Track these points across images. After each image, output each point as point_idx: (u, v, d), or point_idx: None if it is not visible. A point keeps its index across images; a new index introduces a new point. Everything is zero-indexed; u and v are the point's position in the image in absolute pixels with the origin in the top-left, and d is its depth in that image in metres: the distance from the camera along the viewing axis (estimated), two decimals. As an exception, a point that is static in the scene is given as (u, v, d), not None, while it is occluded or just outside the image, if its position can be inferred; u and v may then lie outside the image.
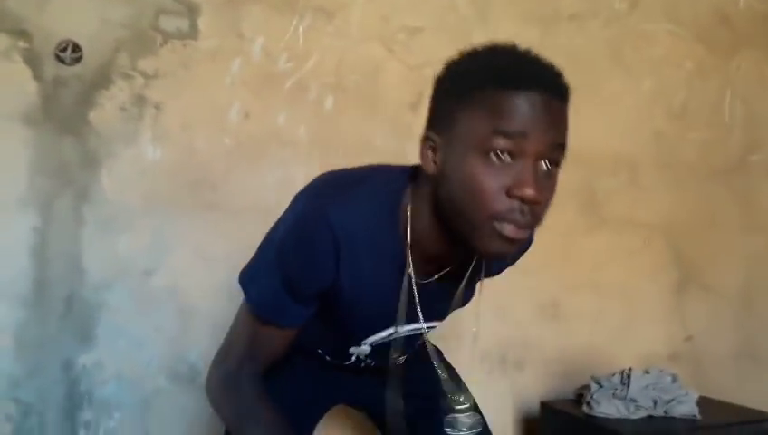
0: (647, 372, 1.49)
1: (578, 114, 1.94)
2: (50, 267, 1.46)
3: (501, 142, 0.74)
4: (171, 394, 1.52)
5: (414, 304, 0.90)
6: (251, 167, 1.60)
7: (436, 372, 0.97)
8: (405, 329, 0.97)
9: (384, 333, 0.99)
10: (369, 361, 1.08)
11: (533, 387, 1.78)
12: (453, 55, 0.83)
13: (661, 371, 1.51)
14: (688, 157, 2.03)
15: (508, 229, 0.76)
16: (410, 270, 0.88)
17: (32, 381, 1.44)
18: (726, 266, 2.04)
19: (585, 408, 1.47)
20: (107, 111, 1.49)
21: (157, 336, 1.52)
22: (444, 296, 0.96)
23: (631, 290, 1.94)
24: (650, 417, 1.42)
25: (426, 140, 0.82)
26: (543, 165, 0.76)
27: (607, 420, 1.41)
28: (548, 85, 0.76)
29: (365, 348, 1.03)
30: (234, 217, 1.58)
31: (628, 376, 1.46)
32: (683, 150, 2.03)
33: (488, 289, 1.75)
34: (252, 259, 0.96)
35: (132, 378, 1.50)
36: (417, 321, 0.92)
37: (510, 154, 0.74)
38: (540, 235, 1.86)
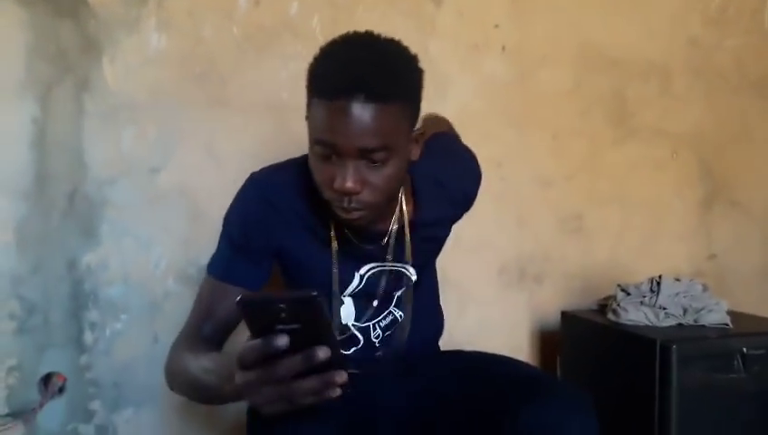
0: (677, 280, 1.45)
1: (610, 18, 1.87)
2: (51, 161, 1.41)
3: (319, 149, 0.88)
4: (181, 297, 1.49)
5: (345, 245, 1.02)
6: (261, 60, 1.53)
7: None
8: (366, 268, 1.06)
9: (353, 284, 1.05)
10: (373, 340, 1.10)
11: (553, 300, 1.76)
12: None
13: (691, 280, 1.47)
14: (724, 65, 1.96)
15: (340, 212, 0.92)
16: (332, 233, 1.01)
17: (35, 279, 1.41)
18: (756, 183, 2.00)
19: (611, 315, 1.45)
20: (106, -8, 1.40)
21: (165, 237, 1.48)
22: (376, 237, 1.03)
23: (657, 204, 1.90)
24: (680, 325, 1.39)
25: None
26: (363, 162, 0.87)
27: (634, 327, 1.38)
28: (361, 91, 0.83)
29: (346, 303, 1.07)
30: (244, 114, 1.52)
31: (658, 283, 1.43)
32: (718, 58, 1.95)
33: (508, 200, 1.73)
34: None
35: (140, 280, 1.47)
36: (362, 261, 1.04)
37: (331, 156, 0.87)
38: (566, 145, 1.83)
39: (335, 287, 1.04)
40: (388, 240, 1.03)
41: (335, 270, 1.03)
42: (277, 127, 1.54)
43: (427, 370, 1.10)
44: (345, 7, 1.58)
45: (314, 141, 0.88)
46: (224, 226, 1.04)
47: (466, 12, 1.69)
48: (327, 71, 0.87)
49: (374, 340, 1.11)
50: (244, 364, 0.71)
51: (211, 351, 0.98)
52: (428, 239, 1.11)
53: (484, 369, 1.04)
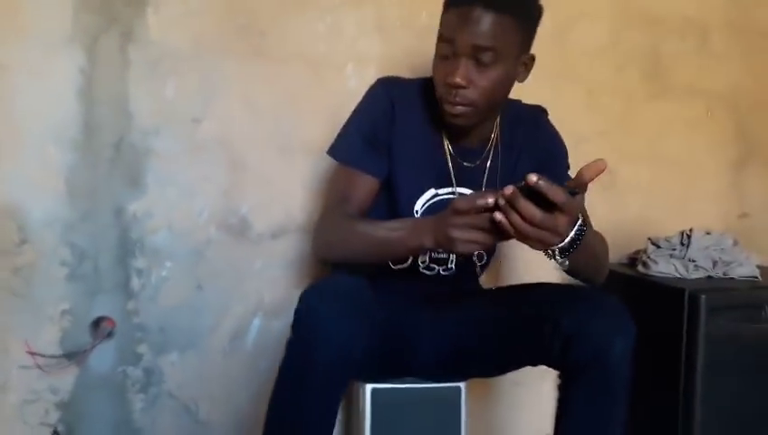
0: (708, 234, 1.53)
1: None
2: (97, 111, 1.50)
3: (443, 47, 1.11)
4: (222, 245, 1.60)
5: (446, 162, 1.23)
6: (300, 12, 1.60)
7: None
8: (444, 190, 1.23)
9: (427, 195, 1.23)
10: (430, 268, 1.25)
11: (583, 255, 1.84)
12: None
13: (722, 234, 1.55)
14: (763, 22, 1.99)
15: (447, 107, 1.13)
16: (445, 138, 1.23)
17: (84, 226, 1.52)
18: (791, 142, 2.04)
19: (640, 267, 1.54)
20: (152, -58, 1.48)
21: (206, 186, 1.58)
22: (476, 166, 1.24)
23: (689, 163, 1.97)
24: (709, 277, 1.48)
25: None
26: (473, 61, 1.08)
27: (664, 278, 1.47)
28: (479, 1, 1.05)
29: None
30: (282, 66, 1.60)
31: (689, 236, 1.51)
32: (759, 15, 1.99)
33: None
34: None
35: (183, 228, 1.57)
36: (454, 184, 1.22)
37: (448, 54, 1.10)
38: (599, 101, 1.89)
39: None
40: (483, 161, 1.24)
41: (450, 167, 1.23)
42: (314, 79, 1.62)
43: (470, 295, 1.25)
44: (384, -41, 1.64)
45: (439, 39, 1.11)
46: (352, 118, 1.24)
47: (503, -35, 1.74)
48: None
49: (420, 262, 1.25)
50: (457, 210, 0.93)
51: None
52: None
53: (527, 287, 1.22)
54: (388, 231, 1.08)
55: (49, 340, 1.51)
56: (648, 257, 1.52)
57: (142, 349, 1.58)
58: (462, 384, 1.29)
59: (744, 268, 1.48)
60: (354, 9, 1.63)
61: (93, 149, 1.50)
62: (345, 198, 1.19)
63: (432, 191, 1.23)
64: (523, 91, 1.75)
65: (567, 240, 0.92)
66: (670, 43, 1.91)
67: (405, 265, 1.26)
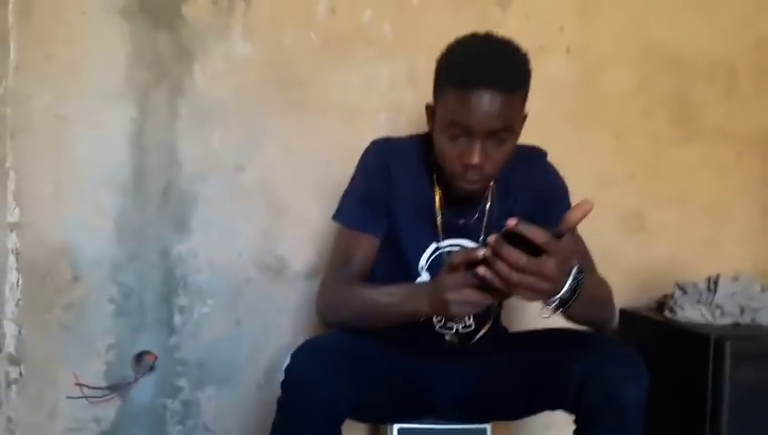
0: (735, 280, 1.57)
1: (675, 17, 1.96)
2: (147, 158, 1.63)
3: (455, 130, 1.10)
4: (260, 284, 1.71)
5: (443, 217, 1.25)
6: (337, 65, 1.71)
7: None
8: (445, 243, 1.26)
9: (429, 250, 1.27)
10: (449, 327, 1.30)
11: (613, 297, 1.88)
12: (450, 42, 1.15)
13: (750, 279, 1.58)
14: (792, 65, 2.02)
15: (463, 184, 1.15)
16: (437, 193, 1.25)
17: (132, 266, 1.64)
18: (824, 185, 2.06)
19: (667, 313, 1.58)
20: (199, 4, 1.61)
21: (247, 228, 1.69)
22: (470, 214, 1.26)
23: (719, 206, 2.00)
24: (737, 324, 1.51)
25: (427, 106, 1.20)
26: (488, 140, 1.10)
27: (690, 324, 1.51)
28: (493, 83, 1.06)
29: (425, 277, 1.27)
30: (320, 116, 1.71)
31: (716, 282, 1.55)
32: (788, 58, 2.01)
33: (571, 199, 1.85)
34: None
35: (224, 267, 1.69)
36: (453, 236, 1.25)
37: (463, 135, 1.10)
38: (627, 144, 1.95)
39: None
40: (481, 213, 1.26)
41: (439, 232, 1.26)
42: (350, 128, 1.72)
43: (485, 348, 1.29)
44: (414, 14, 1.74)
45: (449, 123, 1.10)
46: (351, 183, 1.29)
47: (532, 14, 1.83)
48: (462, 65, 1.09)
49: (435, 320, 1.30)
50: (453, 265, 0.98)
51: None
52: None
53: (544, 333, 1.23)
54: (384, 297, 1.14)
55: (95, 372, 1.64)
56: (675, 303, 1.56)
57: (182, 383, 1.68)
58: (488, 426, 1.34)
59: (772, 315, 1.51)
60: (388, 61, 1.73)
61: (142, 193, 1.63)
62: (346, 260, 1.23)
63: (434, 245, 1.27)
64: (552, 137, 1.83)
65: (565, 288, 0.94)
66: (698, 87, 1.96)
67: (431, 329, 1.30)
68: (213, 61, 1.64)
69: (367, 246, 1.25)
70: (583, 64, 1.88)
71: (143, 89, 1.61)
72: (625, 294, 1.89)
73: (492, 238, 0.92)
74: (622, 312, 1.73)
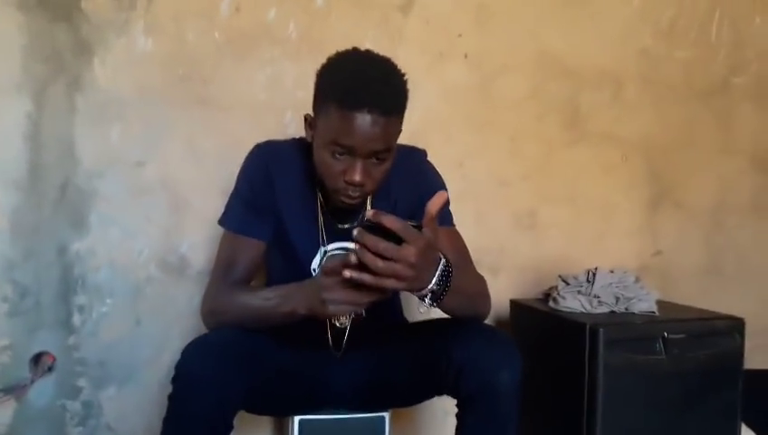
0: (611, 272, 1.75)
1: (566, 29, 2.13)
2: (44, 154, 1.64)
3: (338, 149, 1.15)
4: (162, 283, 1.75)
5: (328, 221, 1.31)
6: (240, 62, 1.78)
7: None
8: (332, 247, 1.33)
9: (319, 255, 1.33)
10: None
11: (507, 291, 2.04)
12: (331, 55, 1.21)
13: (625, 272, 1.77)
14: (672, 76, 2.26)
15: (344, 199, 1.20)
16: (320, 196, 1.31)
17: (27, 264, 1.65)
18: (700, 186, 2.31)
19: (551, 303, 1.74)
20: (99, -2, 1.64)
21: (148, 226, 1.73)
22: (351, 219, 1.32)
23: (606, 204, 2.20)
24: (612, 312, 1.69)
25: (307, 117, 1.25)
26: (371, 160, 1.16)
27: (570, 313, 1.68)
28: (376, 106, 1.11)
29: (317, 256, 1.33)
30: (224, 113, 1.77)
31: (594, 274, 1.72)
32: (667, 69, 2.25)
33: (467, 198, 2.00)
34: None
35: (124, 265, 1.72)
36: (337, 240, 1.31)
37: (345, 153, 1.15)
38: (521, 147, 2.11)
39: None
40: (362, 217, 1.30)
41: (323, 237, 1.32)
42: (254, 125, 1.79)
43: (377, 339, 1.37)
44: (319, 15, 1.84)
45: (331, 142, 1.14)
46: (235, 187, 1.33)
47: (432, 20, 1.96)
48: (346, 84, 1.13)
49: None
50: (327, 271, 1.05)
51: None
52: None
53: (429, 324, 1.33)
54: (262, 301, 1.19)
55: (-12, 375, 1.62)
56: (558, 294, 1.72)
57: (82, 383, 1.70)
58: (386, 414, 1.45)
59: (644, 303, 1.70)
60: (292, 61, 1.81)
61: (38, 190, 1.64)
62: (229, 265, 1.28)
63: (322, 249, 1.32)
64: (452, 139, 1.97)
65: (434, 280, 1.04)
66: (587, 94, 2.15)
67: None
68: (113, 55, 1.67)
69: (251, 249, 1.30)
70: (481, 71, 2.03)
71: (40, 83, 1.62)
72: (519, 286, 2.07)
73: (355, 230, 0.98)
74: (513, 303, 1.89)
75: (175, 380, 1.12)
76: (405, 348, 1.32)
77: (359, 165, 1.15)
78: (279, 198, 1.30)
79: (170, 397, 1.11)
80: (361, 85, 1.12)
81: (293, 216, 1.32)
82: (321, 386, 1.36)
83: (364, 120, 1.11)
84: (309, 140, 1.24)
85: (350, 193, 1.19)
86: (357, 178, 1.15)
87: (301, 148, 1.32)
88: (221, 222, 1.33)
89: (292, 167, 1.31)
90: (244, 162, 1.33)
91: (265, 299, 1.19)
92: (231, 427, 1.15)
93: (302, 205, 1.32)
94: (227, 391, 1.10)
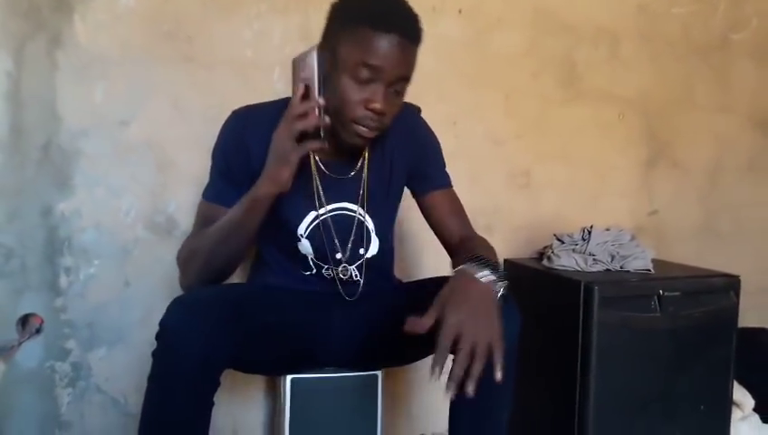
0: (607, 230, 1.71)
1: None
2: (25, 113, 1.59)
3: (364, 72, 1.12)
4: (149, 244, 1.71)
5: (322, 180, 1.28)
6: (227, 19, 1.72)
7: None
8: (323, 210, 1.30)
9: (309, 217, 1.30)
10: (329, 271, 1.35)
11: (502, 250, 1.97)
12: None
13: (621, 230, 1.74)
14: (670, 32, 2.20)
15: (362, 130, 1.17)
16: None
17: (12, 226, 1.61)
18: (696, 144, 2.27)
19: (545, 262, 1.71)
20: (77, -50, 1.57)
21: (134, 186, 1.69)
22: (350, 178, 1.30)
23: (602, 163, 2.16)
24: (607, 270, 1.66)
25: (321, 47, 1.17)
26: (392, 89, 1.15)
27: (565, 271, 1.65)
28: (405, 31, 1.13)
29: (305, 243, 1.32)
30: (210, 70, 1.72)
31: (589, 232, 1.69)
32: (665, 25, 2.19)
33: (461, 157, 1.96)
34: None
35: (111, 227, 1.68)
36: (333, 200, 1.30)
37: (370, 79, 1.13)
38: (516, 105, 2.06)
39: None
40: (358, 172, 1.30)
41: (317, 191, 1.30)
42: (240, 82, 1.74)
43: (372, 298, 1.36)
44: (308, -30, 1.77)
45: (360, 63, 1.11)
46: (212, 156, 1.30)
47: (425, -25, 1.89)
48: (376, 7, 1.13)
49: (324, 273, 1.35)
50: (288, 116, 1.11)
51: None
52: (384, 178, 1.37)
53: (424, 283, 1.32)
54: (228, 217, 1.19)
55: (-25, 337, 1.60)
56: (553, 252, 1.69)
57: (70, 345, 1.67)
58: (379, 372, 1.43)
59: (639, 262, 1.67)
60: (280, 16, 1.75)
61: (21, 150, 1.59)
62: (204, 225, 1.25)
63: (313, 214, 1.29)
64: (445, 96, 1.92)
65: (501, 287, 1.10)
66: (583, 51, 2.10)
67: (312, 272, 1.36)
68: (94, 12, 1.60)
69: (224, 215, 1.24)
70: (475, 26, 1.97)
71: (19, 40, 1.56)
72: (514, 246, 2.04)
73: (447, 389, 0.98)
74: (508, 262, 1.86)
75: (159, 336, 1.10)
76: (402, 306, 1.28)
77: (383, 91, 1.13)
78: (257, 165, 1.20)
79: (154, 353, 1.09)
80: (393, 10, 1.14)
81: None
82: (315, 344, 1.33)
83: (396, 42, 1.11)
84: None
85: (370, 123, 1.15)
86: (380, 104, 1.13)
87: (282, 107, 1.25)
88: (203, 195, 1.31)
89: (273, 126, 1.21)
90: (221, 130, 1.30)
91: (230, 212, 1.19)
92: (217, 384, 1.13)
93: None
94: (212, 349, 1.07)
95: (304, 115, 1.10)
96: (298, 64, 1.15)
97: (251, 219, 1.17)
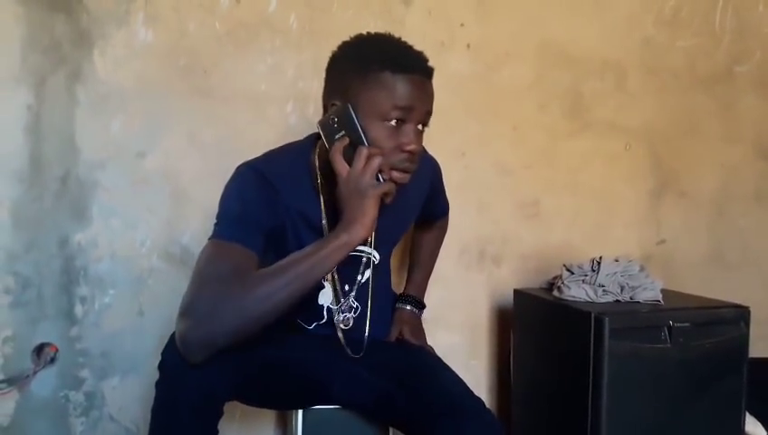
0: (616, 261, 1.70)
1: (569, 18, 2.09)
2: (44, 146, 1.61)
3: (396, 113, 1.12)
4: (164, 274, 1.71)
5: (329, 221, 1.24)
6: (241, 54, 1.74)
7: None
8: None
9: None
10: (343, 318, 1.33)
11: (510, 280, 2.01)
12: (345, 39, 1.21)
13: (630, 260, 1.73)
14: (675, 64, 2.21)
15: (398, 177, 1.15)
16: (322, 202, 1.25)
17: (29, 256, 1.62)
18: (703, 174, 2.27)
19: (556, 292, 1.70)
20: (98, -11, 1.60)
21: (150, 217, 1.69)
22: None
23: (610, 193, 2.16)
24: (617, 301, 1.65)
25: (329, 107, 1.18)
26: (420, 126, 1.16)
27: (575, 302, 1.64)
28: (423, 68, 1.16)
29: (326, 288, 1.31)
30: (224, 104, 1.73)
31: (599, 263, 1.68)
32: (670, 58, 2.20)
33: (470, 187, 1.96)
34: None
35: (126, 257, 1.68)
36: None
37: (400, 120, 1.13)
38: (524, 136, 2.07)
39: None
40: None
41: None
42: (255, 116, 1.76)
43: (378, 357, 1.31)
44: (320, 7, 1.79)
45: (391, 108, 1.11)
46: (220, 210, 1.21)
47: (434, 11, 1.92)
48: (395, 52, 1.14)
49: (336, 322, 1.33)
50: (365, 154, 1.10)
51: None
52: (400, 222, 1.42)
53: (423, 374, 1.26)
54: (302, 262, 1.07)
55: (-9, 366, 1.60)
56: (563, 283, 1.68)
57: (84, 374, 1.67)
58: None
59: (649, 292, 1.65)
60: (293, 52, 1.77)
61: (39, 181, 1.61)
62: (238, 271, 1.09)
63: None
64: (454, 129, 1.93)
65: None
66: (590, 83, 2.11)
67: (322, 321, 1.34)
68: (113, 47, 1.63)
69: (243, 256, 1.13)
70: (483, 60, 1.99)
71: (40, 75, 1.59)
72: (523, 275, 2.03)
73: None
74: (517, 293, 1.85)
75: (161, 366, 1.09)
76: (394, 388, 1.23)
77: (414, 130, 1.14)
78: (280, 213, 1.21)
79: (157, 384, 1.09)
80: (407, 52, 1.16)
81: (296, 229, 1.25)
82: (321, 387, 1.29)
83: (418, 80, 1.13)
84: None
85: (408, 165, 1.15)
86: (415, 144, 1.13)
87: (294, 152, 1.28)
88: (215, 236, 1.18)
89: (293, 177, 1.24)
90: (233, 184, 1.22)
91: (303, 263, 1.06)
92: (220, 413, 1.12)
93: (306, 216, 1.25)
94: (212, 379, 1.06)
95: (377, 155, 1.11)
96: (329, 124, 1.14)
97: (330, 268, 1.10)
